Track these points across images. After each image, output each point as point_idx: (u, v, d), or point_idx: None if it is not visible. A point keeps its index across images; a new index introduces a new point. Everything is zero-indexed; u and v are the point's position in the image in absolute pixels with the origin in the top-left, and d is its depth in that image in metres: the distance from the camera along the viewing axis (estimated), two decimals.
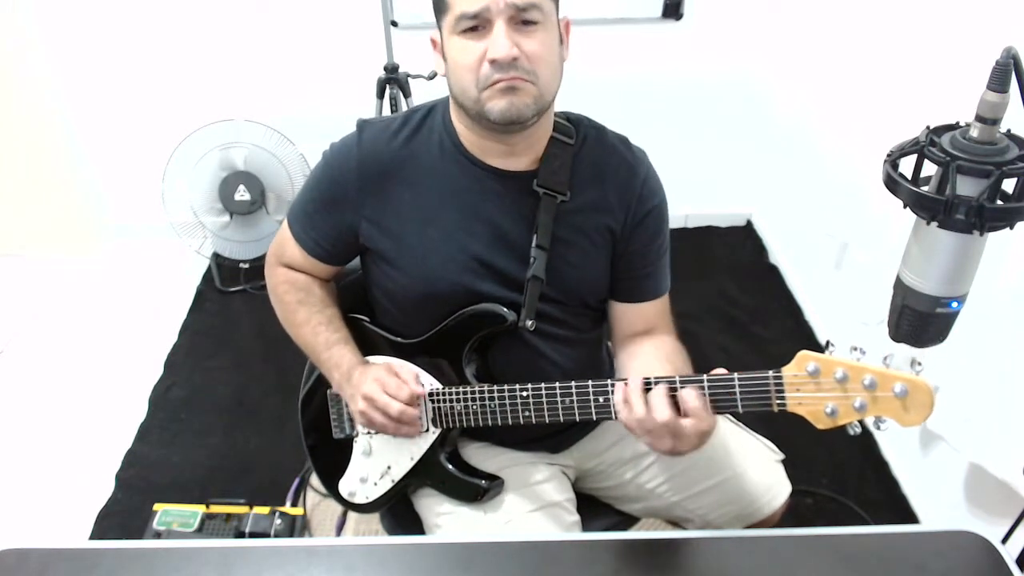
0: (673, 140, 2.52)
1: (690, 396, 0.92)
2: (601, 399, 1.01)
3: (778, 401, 0.90)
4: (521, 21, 0.98)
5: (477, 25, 0.98)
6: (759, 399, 0.91)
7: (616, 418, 0.98)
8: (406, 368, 1.14)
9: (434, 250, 1.10)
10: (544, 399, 1.05)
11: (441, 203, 1.10)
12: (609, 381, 1.00)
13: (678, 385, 0.94)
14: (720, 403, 0.93)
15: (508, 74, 0.97)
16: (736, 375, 0.92)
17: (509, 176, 1.10)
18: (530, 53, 0.98)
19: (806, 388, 0.88)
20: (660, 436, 0.93)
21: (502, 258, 1.11)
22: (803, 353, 0.88)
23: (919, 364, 0.83)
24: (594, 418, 1.03)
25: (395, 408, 1.09)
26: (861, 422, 0.87)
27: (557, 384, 1.04)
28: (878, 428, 0.86)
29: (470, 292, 1.11)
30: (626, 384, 0.95)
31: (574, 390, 1.03)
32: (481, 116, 1.01)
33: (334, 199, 1.13)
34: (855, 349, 0.86)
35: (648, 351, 1.16)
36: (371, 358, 1.20)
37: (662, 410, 0.92)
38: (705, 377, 0.93)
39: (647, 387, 0.95)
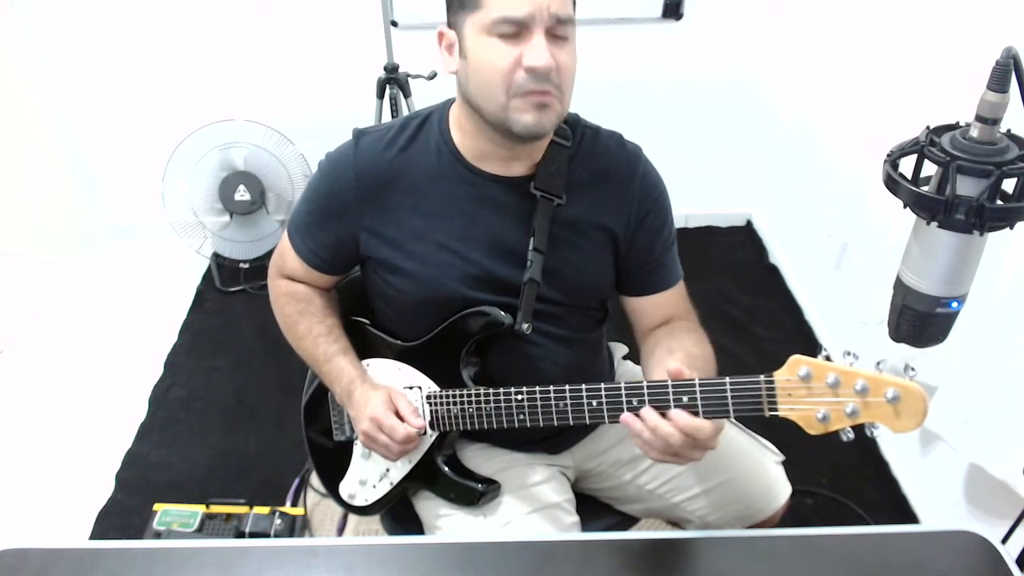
0: (673, 140, 2.52)
1: (679, 415, 0.91)
2: (595, 403, 1.00)
3: (769, 406, 0.89)
4: (555, 35, 0.97)
5: (517, 31, 0.96)
6: (751, 404, 0.90)
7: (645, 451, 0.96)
8: (404, 401, 1.13)
9: (433, 258, 1.10)
10: (539, 402, 1.04)
11: (439, 211, 1.10)
12: (603, 384, 0.99)
13: (671, 402, 0.93)
14: (711, 408, 0.92)
15: (542, 86, 0.97)
16: (728, 379, 0.91)
17: (506, 181, 1.09)
18: (562, 66, 0.98)
19: (798, 393, 0.87)
20: (689, 452, 0.93)
21: (500, 264, 1.10)
22: (795, 357, 0.87)
23: (913, 370, 0.82)
24: (587, 422, 1.02)
25: (394, 449, 1.12)
26: (855, 428, 0.86)
27: (551, 388, 1.03)
28: (869, 434, 0.85)
29: (468, 299, 1.11)
30: (637, 422, 0.94)
31: (568, 394, 1.02)
32: (501, 124, 1.00)
33: (333, 210, 1.12)
34: (848, 354, 0.85)
35: (660, 342, 1.15)
36: (371, 361, 1.21)
37: (675, 436, 0.91)
38: (697, 380, 0.93)
39: (632, 403, 0.94)
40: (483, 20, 0.97)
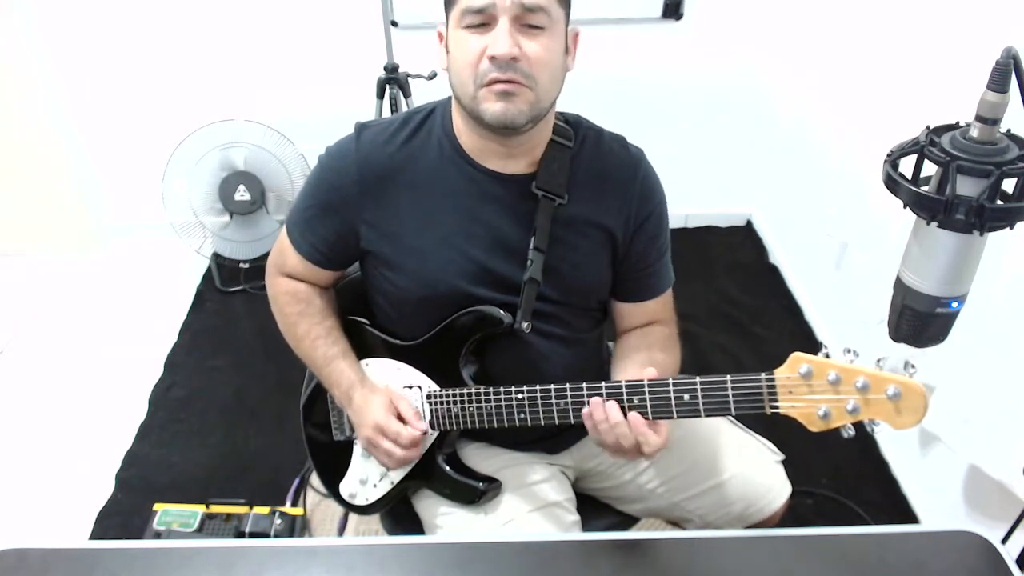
0: (673, 140, 2.53)
1: (635, 420, 0.96)
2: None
3: (771, 403, 0.90)
4: (527, 24, 0.97)
5: (482, 21, 0.97)
6: (751, 401, 0.91)
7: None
8: (405, 404, 1.13)
9: (433, 253, 1.10)
10: (539, 401, 1.05)
11: (440, 206, 1.10)
12: (603, 383, 1.00)
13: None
14: (712, 405, 0.93)
15: (506, 74, 0.97)
16: (728, 377, 0.92)
17: (508, 179, 1.09)
18: (531, 56, 0.97)
19: (799, 390, 0.88)
20: (624, 438, 0.97)
21: (500, 261, 1.10)
22: (796, 355, 0.88)
23: (912, 367, 0.83)
24: None
25: (398, 455, 1.13)
26: (856, 425, 0.87)
27: (552, 386, 1.03)
28: (870, 431, 0.86)
29: (468, 295, 1.11)
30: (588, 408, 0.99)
31: (568, 392, 1.02)
32: (476, 115, 1.01)
33: (333, 203, 1.12)
34: (848, 351, 0.85)
35: (632, 343, 1.19)
36: (370, 361, 1.21)
37: (615, 414, 0.96)
38: (699, 379, 0.94)
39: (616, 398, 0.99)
40: (456, 14, 1.00)
